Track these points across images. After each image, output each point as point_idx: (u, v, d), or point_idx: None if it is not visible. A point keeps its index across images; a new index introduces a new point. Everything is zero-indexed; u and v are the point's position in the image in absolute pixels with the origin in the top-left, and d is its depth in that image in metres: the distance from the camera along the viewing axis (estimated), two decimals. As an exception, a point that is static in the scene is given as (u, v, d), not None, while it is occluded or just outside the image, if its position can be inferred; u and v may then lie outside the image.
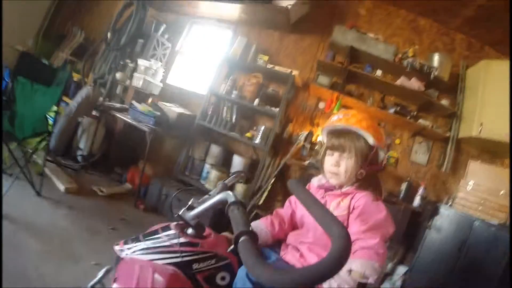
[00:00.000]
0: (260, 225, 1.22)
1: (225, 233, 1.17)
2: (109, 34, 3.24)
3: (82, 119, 2.98)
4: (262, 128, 2.83)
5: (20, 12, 3.59)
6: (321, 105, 3.04)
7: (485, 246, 2.11)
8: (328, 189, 1.16)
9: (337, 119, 1.15)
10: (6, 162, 2.22)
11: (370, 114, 2.62)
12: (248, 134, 2.94)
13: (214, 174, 2.88)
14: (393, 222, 1.06)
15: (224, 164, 3.07)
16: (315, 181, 1.23)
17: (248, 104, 2.92)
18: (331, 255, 0.61)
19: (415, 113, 2.77)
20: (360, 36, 2.81)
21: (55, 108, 2.25)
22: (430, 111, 2.86)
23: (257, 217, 2.65)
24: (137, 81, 3.12)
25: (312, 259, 1.07)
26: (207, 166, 3.00)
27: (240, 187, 2.87)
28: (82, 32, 3.84)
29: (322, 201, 1.14)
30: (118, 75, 3.17)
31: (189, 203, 1.05)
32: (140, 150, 2.79)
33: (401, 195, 2.65)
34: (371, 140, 1.09)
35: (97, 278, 1.11)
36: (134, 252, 1.04)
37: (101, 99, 3.05)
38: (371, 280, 0.95)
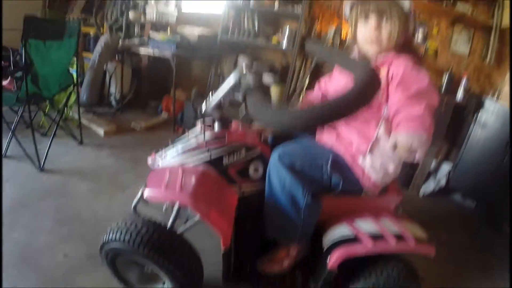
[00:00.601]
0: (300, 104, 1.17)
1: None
2: None
3: (107, 66, 3.02)
4: (287, 31, 2.69)
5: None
6: None
7: None
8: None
9: None
10: (45, 125, 2.36)
11: None
12: (273, 39, 2.82)
13: None
14: (436, 90, 0.94)
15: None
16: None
17: (268, 9, 2.77)
18: (355, 84, 0.51)
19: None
20: None
21: (75, 60, 2.26)
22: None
23: None
24: (151, 14, 3.01)
25: (353, 136, 1.00)
26: None
27: (274, 92, 2.85)
28: None
29: None
30: (131, 14, 3.05)
31: (208, 98, 0.99)
32: (170, 79, 2.83)
33: (443, 88, 2.40)
34: (406, 5, 0.95)
35: (138, 196, 1.13)
36: (165, 159, 1.05)
37: (120, 42, 3.03)
38: (418, 155, 0.85)
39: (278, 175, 0.95)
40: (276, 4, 2.70)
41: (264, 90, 0.65)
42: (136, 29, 3.20)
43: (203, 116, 0.99)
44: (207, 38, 2.94)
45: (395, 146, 0.85)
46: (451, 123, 2.32)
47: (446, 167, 2.39)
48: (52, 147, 2.03)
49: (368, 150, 0.96)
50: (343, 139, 1.02)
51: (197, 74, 3.39)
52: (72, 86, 2.20)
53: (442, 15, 2.49)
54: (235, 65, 3.02)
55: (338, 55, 0.79)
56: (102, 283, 1.22)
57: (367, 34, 0.99)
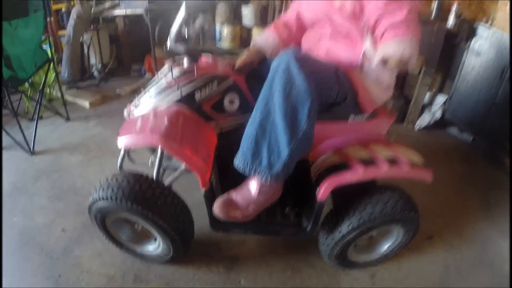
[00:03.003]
0: (266, 35, 1.03)
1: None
2: None
3: (83, 38, 2.82)
4: None
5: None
6: None
7: None
8: None
9: None
10: (30, 109, 2.23)
11: None
12: None
13: (226, 31, 2.74)
14: None
15: (235, 18, 2.84)
16: None
17: None
18: None
19: None
20: None
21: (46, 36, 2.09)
22: None
23: None
24: None
25: (340, 50, 0.88)
26: (218, 26, 2.83)
27: (256, 35, 2.70)
28: None
29: None
30: None
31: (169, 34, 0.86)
32: (148, 39, 2.63)
33: (433, 15, 2.19)
34: None
35: (121, 154, 1.04)
36: (139, 108, 0.94)
37: (92, 10, 2.80)
38: (411, 62, 0.76)
39: (285, 77, 0.73)
40: None
41: None
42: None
43: (169, 53, 0.87)
44: None
45: (385, 61, 0.75)
46: (443, 52, 2.12)
47: (441, 99, 2.25)
48: (39, 128, 1.96)
49: (360, 64, 0.84)
50: (332, 56, 0.90)
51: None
52: (48, 63, 2.04)
53: None
54: (213, 12, 2.79)
55: None
56: (100, 250, 1.21)
57: None
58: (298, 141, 0.75)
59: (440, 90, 2.31)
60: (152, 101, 0.89)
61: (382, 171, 0.83)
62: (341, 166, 0.85)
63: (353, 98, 0.86)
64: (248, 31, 2.78)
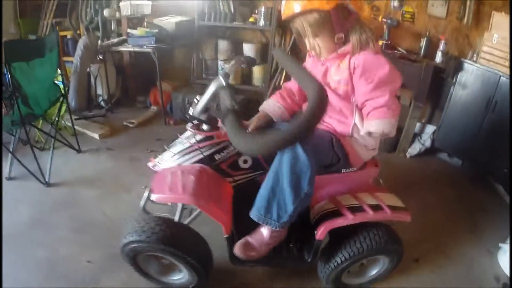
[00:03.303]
0: (272, 102, 1.26)
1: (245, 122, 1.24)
2: None
3: (90, 68, 3.04)
4: (263, 9, 2.77)
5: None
6: None
7: None
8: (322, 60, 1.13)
9: (282, 11, 1.09)
10: (40, 139, 2.40)
11: None
12: (251, 19, 2.90)
13: (227, 67, 2.94)
14: (398, 72, 1.03)
15: (236, 55, 3.07)
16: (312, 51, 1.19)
17: None
18: (308, 110, 0.60)
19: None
20: None
21: (59, 71, 2.29)
22: None
23: None
24: (125, 9, 3.00)
25: (334, 124, 1.12)
26: (220, 63, 3.10)
27: (257, 72, 3.02)
28: None
29: (323, 69, 1.12)
30: (106, 12, 3.06)
31: (194, 101, 1.09)
32: (154, 72, 2.87)
33: (422, 52, 2.49)
34: (325, 5, 0.96)
35: (145, 197, 1.26)
36: (163, 162, 1.16)
37: (99, 42, 3.05)
38: (391, 136, 1.02)
39: (292, 155, 0.96)
40: None
41: (237, 112, 0.73)
42: (113, 26, 3.21)
43: (192, 119, 1.09)
44: (185, 25, 2.98)
45: (369, 133, 0.99)
46: (431, 86, 2.43)
47: (430, 129, 2.55)
48: (48, 159, 2.12)
49: (350, 134, 1.09)
50: (327, 125, 1.15)
51: (179, 61, 3.43)
52: (61, 98, 2.23)
53: None
54: (216, 50, 3.07)
55: (295, 70, 0.88)
56: (126, 280, 1.37)
57: (311, 51, 1.12)
58: (301, 200, 1.01)
59: (430, 120, 2.59)
60: (176, 160, 1.11)
61: (368, 216, 1.07)
62: (335, 212, 1.08)
63: (345, 158, 1.10)
64: (249, 69, 3.05)
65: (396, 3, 2.57)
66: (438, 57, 2.41)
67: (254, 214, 1.04)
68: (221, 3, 2.90)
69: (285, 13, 1.05)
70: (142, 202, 1.28)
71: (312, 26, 1.00)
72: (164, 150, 1.20)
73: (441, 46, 2.39)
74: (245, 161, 1.12)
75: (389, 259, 1.24)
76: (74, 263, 1.47)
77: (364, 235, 1.12)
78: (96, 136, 2.59)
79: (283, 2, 1.09)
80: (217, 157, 1.10)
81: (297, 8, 0.98)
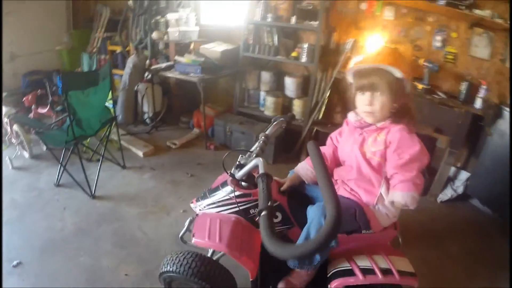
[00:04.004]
0: (305, 166, 1.49)
1: (275, 178, 1.48)
2: (131, 2, 3.49)
3: (138, 86, 3.45)
4: (306, 45, 2.98)
5: (44, 16, 4.04)
6: (363, 6, 2.97)
7: None
8: (364, 126, 1.32)
9: (361, 59, 1.27)
10: (89, 151, 2.75)
11: (417, 5, 2.62)
12: (293, 54, 3.12)
13: (270, 100, 3.27)
14: (427, 152, 1.22)
15: (278, 87, 3.39)
16: (352, 118, 1.40)
17: (285, 24, 3.09)
18: (324, 230, 0.77)
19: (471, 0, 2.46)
20: None
21: (110, 95, 2.60)
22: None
23: (317, 134, 3.03)
24: (173, 34, 3.38)
25: (361, 193, 1.33)
26: (262, 94, 3.38)
27: (297, 105, 3.23)
28: (107, 8, 4.12)
29: (360, 138, 1.33)
30: (154, 34, 3.45)
31: (237, 162, 1.38)
32: (198, 95, 3.17)
33: (462, 96, 2.60)
34: (398, 73, 1.17)
35: (184, 228, 1.58)
36: (204, 207, 1.47)
37: (147, 61, 3.47)
38: (411, 207, 1.21)
39: (318, 225, 1.21)
40: (293, 19, 2.97)
41: (272, 211, 0.90)
42: (161, 46, 3.61)
43: (233, 176, 1.37)
44: (230, 54, 3.28)
45: (392, 202, 1.22)
46: (469, 132, 2.54)
47: (464, 175, 2.64)
48: (96, 172, 2.46)
49: (375, 204, 1.31)
50: (354, 194, 1.35)
51: (223, 88, 3.78)
52: (111, 120, 2.55)
53: (461, 18, 2.60)
54: (259, 80, 3.36)
55: (322, 174, 0.97)
56: None
57: (362, 107, 1.28)
58: (324, 254, 1.31)
59: (464, 166, 2.68)
60: (215, 207, 1.41)
61: (377, 279, 1.28)
62: (349, 271, 1.32)
63: (366, 225, 1.31)
64: (290, 100, 3.30)
65: (438, 43, 2.72)
66: (478, 103, 2.50)
67: (290, 263, 1.35)
68: (265, 36, 3.20)
69: (371, 61, 1.24)
70: (181, 232, 1.60)
71: (388, 84, 1.18)
72: (205, 195, 1.50)
73: (482, 92, 2.48)
74: (276, 216, 1.38)
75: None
76: (113, 274, 1.74)
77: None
78: (140, 154, 2.97)
79: (364, 55, 1.30)
80: (251, 211, 1.36)
81: (387, 61, 1.19)
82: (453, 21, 2.68)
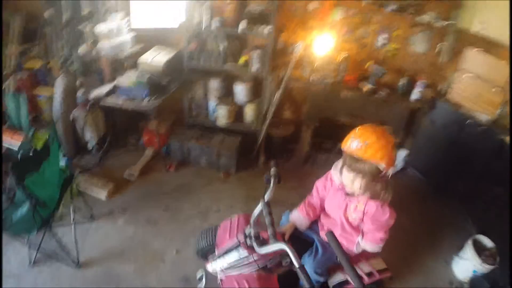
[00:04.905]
0: (299, 216, 1.97)
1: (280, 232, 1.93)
2: (47, 13, 3.13)
3: (74, 114, 3.18)
4: (256, 53, 3.09)
5: None
6: (312, 5, 3.19)
7: (472, 141, 2.86)
8: (347, 193, 1.78)
9: (356, 148, 1.55)
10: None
11: (365, 8, 3.00)
12: (242, 60, 3.19)
13: (222, 109, 3.41)
14: (394, 214, 1.71)
15: (227, 93, 3.49)
16: (336, 179, 1.84)
17: (233, 30, 3.04)
18: None
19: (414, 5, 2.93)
20: None
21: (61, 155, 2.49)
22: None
23: (269, 136, 3.42)
24: (105, 49, 3.13)
25: (343, 242, 1.83)
26: (211, 102, 3.49)
27: (249, 109, 3.46)
28: (17, 16, 3.49)
29: (344, 204, 1.80)
30: (81, 49, 3.20)
31: (247, 232, 1.75)
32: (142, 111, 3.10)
33: (403, 88, 3.23)
34: (382, 166, 1.55)
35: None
36: (221, 269, 1.85)
37: (78, 82, 3.24)
38: (376, 251, 1.80)
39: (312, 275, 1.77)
40: (242, 24, 2.98)
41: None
42: (94, 66, 3.38)
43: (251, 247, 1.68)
44: (173, 64, 3.21)
45: (362, 247, 1.79)
46: (408, 120, 3.28)
47: (403, 153, 3.44)
48: (67, 234, 2.40)
49: (355, 247, 1.83)
50: (340, 239, 1.84)
51: (170, 102, 3.57)
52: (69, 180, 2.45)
53: (403, 19, 3.09)
54: (205, 87, 3.46)
55: (346, 262, 1.30)
56: None
57: (345, 182, 1.71)
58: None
59: (402, 145, 3.48)
60: (235, 268, 1.79)
61: (366, 281, 1.85)
62: (345, 281, 1.89)
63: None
64: (241, 106, 3.46)
65: (382, 41, 3.21)
66: (415, 96, 3.14)
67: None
68: (210, 43, 3.20)
69: (366, 153, 1.51)
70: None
71: (370, 172, 1.56)
72: (217, 255, 1.87)
73: (418, 86, 3.10)
74: (286, 261, 1.84)
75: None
76: None
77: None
78: (103, 197, 2.91)
79: (369, 140, 1.52)
80: (268, 264, 1.78)
81: (377, 157, 1.50)
82: (395, 22, 3.15)
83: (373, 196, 1.67)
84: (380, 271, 1.92)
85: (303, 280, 1.34)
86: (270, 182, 1.65)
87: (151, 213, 2.87)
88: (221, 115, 3.45)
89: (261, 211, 1.61)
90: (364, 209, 1.70)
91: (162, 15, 3.50)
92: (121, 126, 3.67)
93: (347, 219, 1.78)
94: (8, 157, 2.69)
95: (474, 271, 2.44)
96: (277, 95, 3.29)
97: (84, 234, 2.61)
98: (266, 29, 3.00)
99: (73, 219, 2.45)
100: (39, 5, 3.39)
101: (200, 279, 2.06)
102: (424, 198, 3.28)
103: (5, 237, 2.31)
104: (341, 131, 1.95)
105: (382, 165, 1.54)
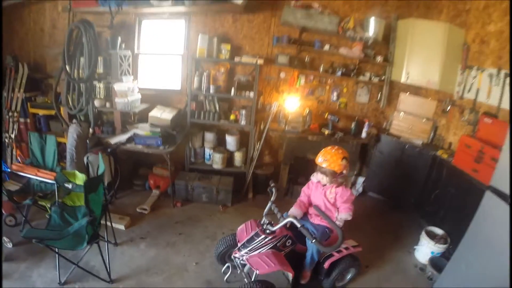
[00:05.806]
0: (295, 209, 2.87)
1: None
2: (67, 67, 3.53)
3: (88, 158, 3.65)
4: (243, 112, 4.27)
5: None
6: (282, 74, 4.51)
7: (413, 161, 4.07)
8: (323, 184, 2.77)
9: (320, 161, 2.66)
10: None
11: (321, 75, 4.32)
12: (232, 117, 4.38)
13: (217, 156, 4.49)
14: (352, 193, 2.78)
15: (220, 143, 4.63)
16: (314, 179, 2.85)
17: (226, 95, 4.33)
18: (338, 241, 2.19)
19: (355, 69, 4.37)
20: (307, 13, 4.05)
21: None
22: (369, 62, 4.42)
23: (255, 175, 4.46)
24: (120, 104, 3.88)
25: (327, 212, 2.75)
26: (207, 150, 4.57)
27: (238, 156, 4.55)
28: (24, 65, 4.10)
29: (323, 190, 2.80)
30: (97, 102, 3.88)
31: (263, 223, 2.63)
32: (142, 157, 3.78)
33: (352, 131, 4.45)
34: (339, 170, 2.65)
35: (229, 272, 2.75)
36: (246, 253, 2.65)
37: (90, 130, 3.83)
38: (349, 219, 2.75)
39: (315, 251, 2.69)
40: (233, 90, 4.23)
41: (317, 239, 2.33)
42: (104, 117, 4.17)
43: (266, 232, 2.56)
44: (177, 119, 4.22)
45: (341, 219, 2.75)
46: (361, 152, 4.45)
47: (361, 179, 4.58)
48: (93, 256, 2.81)
49: (336, 220, 2.76)
50: (323, 221, 2.77)
51: (176, 150, 4.32)
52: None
53: (350, 79, 4.48)
54: (202, 138, 4.50)
55: (329, 219, 2.49)
56: None
57: (319, 178, 2.76)
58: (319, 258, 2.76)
59: (360, 174, 4.62)
60: (256, 250, 2.56)
61: (343, 254, 2.79)
62: (330, 255, 2.78)
63: (331, 234, 2.80)
64: (231, 153, 4.59)
65: (335, 97, 4.54)
66: (363, 134, 4.35)
67: (306, 268, 2.75)
68: (207, 104, 4.36)
69: (327, 165, 2.63)
70: (226, 276, 2.75)
71: (331, 174, 2.65)
72: (242, 245, 2.64)
73: (366, 127, 4.33)
74: (289, 242, 2.64)
75: (355, 269, 2.99)
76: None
77: (344, 261, 2.84)
78: (122, 227, 3.48)
79: (328, 156, 2.65)
80: (278, 244, 2.58)
81: (334, 167, 2.61)
82: (344, 82, 4.54)
83: (338, 185, 2.73)
84: (354, 246, 2.94)
85: (306, 234, 2.25)
86: (272, 191, 2.74)
87: (168, 237, 3.52)
88: (216, 160, 4.48)
89: (269, 208, 2.65)
90: (335, 191, 2.73)
91: (165, 79, 4.60)
92: (125, 171, 4.33)
93: (327, 199, 2.77)
94: (30, 187, 3.30)
95: (432, 253, 3.35)
96: (260, 143, 4.41)
97: (111, 257, 3.00)
98: (251, 94, 4.22)
99: (106, 238, 2.94)
100: (45, 56, 4.20)
101: (225, 272, 2.84)
102: (385, 212, 4.38)
103: (26, 263, 2.77)
104: (311, 166, 3.04)
105: (335, 169, 2.66)
